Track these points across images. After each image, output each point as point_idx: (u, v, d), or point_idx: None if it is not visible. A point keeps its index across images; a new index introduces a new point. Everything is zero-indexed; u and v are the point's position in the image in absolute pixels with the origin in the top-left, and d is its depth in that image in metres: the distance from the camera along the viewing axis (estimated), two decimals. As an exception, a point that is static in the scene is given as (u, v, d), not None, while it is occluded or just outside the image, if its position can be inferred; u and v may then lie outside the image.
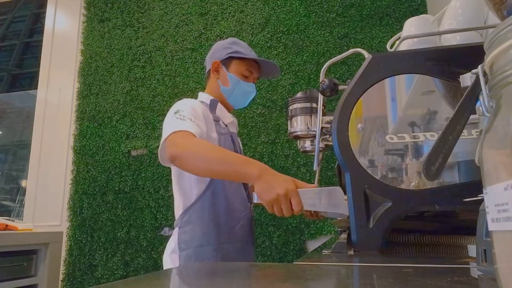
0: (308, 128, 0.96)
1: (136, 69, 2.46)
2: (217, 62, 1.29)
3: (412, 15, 0.93)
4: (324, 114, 0.87)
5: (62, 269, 2.31)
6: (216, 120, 1.21)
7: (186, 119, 1.07)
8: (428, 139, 0.65)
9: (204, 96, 1.29)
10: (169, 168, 1.24)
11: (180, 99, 1.22)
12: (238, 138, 1.37)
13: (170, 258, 1.18)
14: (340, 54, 0.84)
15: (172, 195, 1.26)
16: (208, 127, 1.15)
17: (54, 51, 2.71)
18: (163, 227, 1.33)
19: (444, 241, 0.72)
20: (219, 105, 1.28)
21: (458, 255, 0.66)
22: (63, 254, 2.34)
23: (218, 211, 1.17)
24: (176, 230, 1.19)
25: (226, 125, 1.26)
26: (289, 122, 1.00)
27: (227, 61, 1.28)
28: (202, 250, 1.15)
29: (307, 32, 2.16)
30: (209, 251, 1.14)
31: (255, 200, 0.86)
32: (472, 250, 0.53)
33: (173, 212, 1.23)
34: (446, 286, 0.37)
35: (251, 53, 1.30)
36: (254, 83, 1.33)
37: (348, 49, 0.85)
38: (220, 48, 1.31)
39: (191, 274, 0.58)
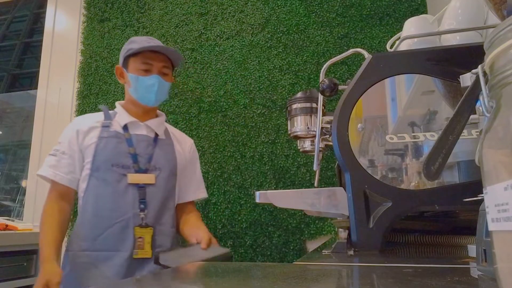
0: (308, 128, 0.96)
1: (136, 69, 2.45)
2: (119, 68, 1.34)
3: (412, 15, 0.93)
4: (324, 114, 0.87)
5: (62, 269, 2.31)
6: (104, 126, 1.25)
7: (56, 155, 1.24)
8: (428, 139, 0.65)
9: (118, 105, 1.33)
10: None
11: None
12: (167, 138, 1.35)
13: None
14: (340, 54, 0.84)
15: None
16: (87, 137, 1.23)
17: (54, 51, 2.71)
18: None
19: (444, 241, 0.72)
20: (122, 109, 1.30)
21: (458, 255, 0.66)
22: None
23: (86, 216, 1.19)
24: None
25: (124, 126, 1.26)
26: (289, 122, 1.00)
27: (125, 63, 1.30)
28: (67, 254, 1.21)
29: (307, 32, 2.16)
30: (71, 256, 1.18)
31: (258, 200, 0.86)
32: (472, 250, 0.53)
33: None
34: (446, 286, 0.36)
35: (145, 44, 1.27)
36: (162, 74, 1.28)
37: (348, 49, 0.85)
38: (121, 54, 1.33)
39: (191, 274, 0.58)
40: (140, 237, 1.17)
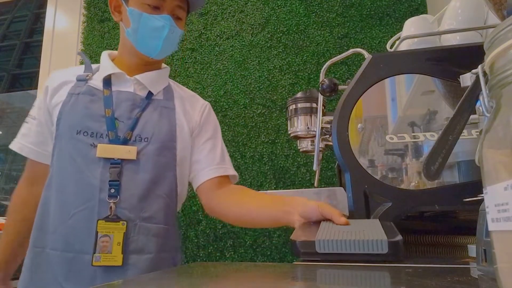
0: (308, 128, 0.96)
1: (136, 69, 2.45)
2: None
3: (412, 15, 0.93)
4: (324, 114, 0.87)
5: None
6: (80, 79, 0.92)
7: (28, 121, 0.96)
8: (428, 139, 0.65)
9: (105, 54, 1.00)
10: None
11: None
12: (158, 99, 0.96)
13: None
14: (340, 54, 0.84)
15: None
16: (56, 95, 0.91)
17: (54, 51, 2.71)
18: None
19: (444, 241, 0.72)
20: (107, 59, 0.97)
21: (458, 255, 0.66)
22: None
23: (47, 202, 0.87)
24: None
25: (104, 81, 0.92)
26: (289, 122, 1.00)
27: None
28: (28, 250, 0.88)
29: (307, 32, 2.15)
30: (28, 252, 0.87)
31: None
32: (472, 250, 0.53)
33: None
34: (446, 286, 0.36)
35: None
36: (175, 16, 0.94)
37: (348, 49, 0.85)
38: None
39: (191, 274, 0.58)
40: (105, 235, 0.81)
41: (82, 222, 0.82)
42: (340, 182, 0.85)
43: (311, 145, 0.97)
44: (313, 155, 0.88)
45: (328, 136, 0.88)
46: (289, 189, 1.94)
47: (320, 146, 0.86)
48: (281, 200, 0.83)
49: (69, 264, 0.81)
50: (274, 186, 1.96)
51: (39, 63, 2.76)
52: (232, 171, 1.00)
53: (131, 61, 0.97)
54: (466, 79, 0.46)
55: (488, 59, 0.32)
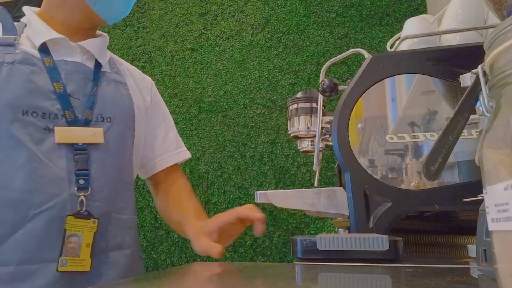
0: (308, 128, 0.96)
1: (136, 69, 2.46)
2: None
3: (412, 15, 0.93)
4: (324, 114, 0.87)
5: (62, 269, 2.31)
6: (6, 44, 0.72)
7: None
8: (428, 139, 0.65)
9: (29, 11, 0.80)
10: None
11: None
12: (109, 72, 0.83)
13: None
14: (340, 54, 0.84)
15: None
16: None
17: (54, 51, 2.71)
18: None
19: (444, 241, 0.72)
20: (36, 18, 0.78)
21: (458, 255, 0.66)
22: (63, 254, 2.34)
23: None
24: None
25: (41, 48, 0.75)
26: (289, 122, 1.00)
27: None
28: None
29: (307, 32, 2.15)
30: None
31: (258, 200, 0.86)
32: (472, 250, 0.53)
33: None
34: (446, 286, 0.36)
35: None
36: None
37: (348, 49, 0.85)
38: None
39: (191, 274, 0.58)
40: (73, 235, 0.68)
41: (50, 223, 0.68)
42: (340, 182, 0.85)
43: (311, 145, 0.97)
44: (313, 155, 0.88)
45: (328, 136, 0.88)
46: (289, 189, 1.94)
47: (320, 146, 0.86)
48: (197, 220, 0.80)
49: (30, 279, 0.65)
50: (274, 186, 1.96)
51: (39, 63, 2.75)
52: (187, 154, 0.97)
53: (72, 23, 0.80)
54: (466, 79, 0.46)
55: (488, 59, 0.32)
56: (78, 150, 0.72)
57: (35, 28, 0.77)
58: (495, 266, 0.29)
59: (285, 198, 0.79)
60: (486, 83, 0.33)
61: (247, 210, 0.72)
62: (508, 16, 0.33)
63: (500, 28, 0.30)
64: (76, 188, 0.70)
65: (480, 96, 0.33)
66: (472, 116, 0.45)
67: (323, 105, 0.86)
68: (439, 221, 0.79)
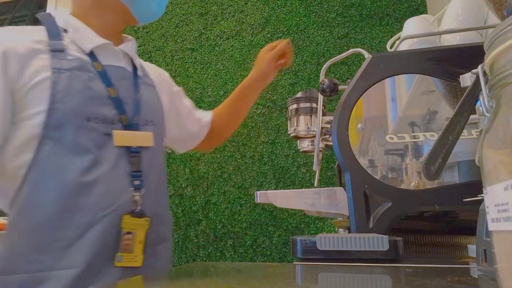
0: (308, 128, 0.96)
1: (136, 69, 2.45)
2: None
3: (412, 15, 0.93)
4: (324, 114, 0.87)
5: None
6: (57, 50, 0.72)
7: None
8: (428, 139, 0.65)
9: (71, 17, 0.80)
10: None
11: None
12: (145, 76, 0.87)
13: None
14: (340, 54, 0.84)
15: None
16: (28, 69, 0.68)
17: (54, 51, 2.71)
18: None
19: (444, 241, 0.72)
20: (80, 23, 0.78)
21: (458, 255, 0.66)
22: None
23: (38, 212, 0.66)
24: None
25: (90, 53, 0.76)
26: (289, 122, 1.00)
27: None
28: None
29: (307, 32, 2.15)
30: (12, 283, 0.64)
31: (258, 200, 0.86)
32: (472, 250, 0.53)
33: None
34: (446, 286, 0.36)
35: None
36: None
37: (348, 49, 0.85)
38: None
39: (191, 274, 0.58)
40: (128, 233, 0.71)
41: (113, 223, 0.70)
42: (340, 182, 0.85)
43: (311, 145, 0.97)
44: (313, 155, 0.88)
45: (328, 136, 0.88)
46: (289, 189, 1.94)
47: (320, 146, 0.86)
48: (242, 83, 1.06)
49: (97, 278, 0.67)
50: (274, 186, 1.96)
51: (39, 63, 2.75)
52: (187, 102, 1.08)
53: (108, 25, 0.81)
54: (466, 79, 0.46)
55: (488, 59, 0.32)
56: (133, 152, 0.75)
57: (82, 34, 0.78)
58: (495, 266, 0.29)
59: (285, 198, 0.79)
60: (486, 83, 0.33)
61: (274, 50, 1.03)
62: (508, 16, 0.33)
63: (500, 28, 0.30)
64: (132, 188, 0.73)
65: (480, 96, 0.33)
66: (472, 116, 0.45)
67: (323, 105, 0.86)
68: (439, 221, 0.79)
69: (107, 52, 0.79)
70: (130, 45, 0.85)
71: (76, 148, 0.69)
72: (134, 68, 0.84)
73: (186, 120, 1.01)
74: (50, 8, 2.82)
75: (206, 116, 1.09)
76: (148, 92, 0.84)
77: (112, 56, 0.79)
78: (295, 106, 0.98)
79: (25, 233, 0.66)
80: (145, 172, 0.76)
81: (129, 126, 0.76)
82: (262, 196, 0.83)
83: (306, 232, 1.97)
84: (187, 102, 1.06)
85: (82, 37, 0.77)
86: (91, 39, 0.77)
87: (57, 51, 0.72)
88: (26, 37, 0.72)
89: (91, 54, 0.76)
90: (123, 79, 0.79)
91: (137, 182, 0.73)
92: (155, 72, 0.95)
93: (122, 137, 0.74)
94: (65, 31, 0.78)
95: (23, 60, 0.69)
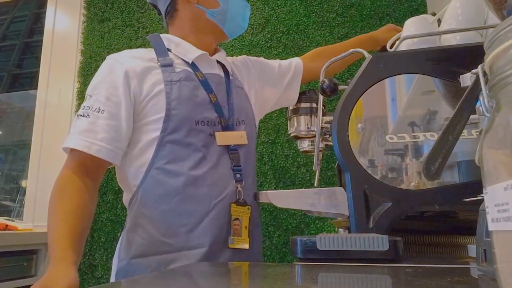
0: (308, 128, 0.96)
1: (136, 69, 2.45)
2: None
3: (412, 15, 0.93)
4: (324, 114, 0.87)
5: (62, 269, 2.30)
6: (166, 65, 0.87)
7: (89, 115, 0.81)
8: (428, 139, 0.65)
9: (172, 36, 0.95)
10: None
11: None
12: (240, 77, 1.01)
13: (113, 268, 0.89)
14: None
15: None
16: (146, 83, 0.84)
17: (54, 51, 2.71)
18: None
19: (444, 241, 0.72)
20: (181, 40, 0.94)
21: (458, 255, 0.66)
22: (63, 254, 2.34)
23: (166, 200, 0.81)
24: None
25: (191, 64, 0.90)
26: (289, 122, 1.00)
27: None
28: (139, 263, 0.80)
29: (307, 32, 2.15)
30: (152, 263, 0.79)
31: (258, 200, 0.86)
32: (472, 250, 0.53)
33: None
34: (446, 286, 0.36)
35: None
36: None
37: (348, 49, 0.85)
38: None
39: (191, 274, 0.58)
40: (236, 219, 0.84)
41: (224, 210, 0.83)
42: (340, 182, 0.85)
43: (311, 145, 0.97)
44: (313, 155, 0.88)
45: (328, 136, 0.88)
46: (289, 189, 1.94)
47: (320, 146, 0.86)
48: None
49: (217, 256, 0.81)
50: (274, 186, 1.96)
51: (39, 63, 2.76)
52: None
53: (205, 43, 0.95)
54: (466, 79, 0.46)
55: (488, 59, 0.32)
56: (232, 150, 0.88)
57: (184, 47, 0.92)
58: (495, 266, 0.29)
59: (285, 198, 0.79)
60: (486, 83, 0.33)
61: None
62: (508, 16, 0.33)
63: (500, 28, 0.30)
64: (235, 181, 0.86)
65: (480, 96, 0.33)
66: (472, 116, 0.45)
67: (323, 105, 0.86)
68: (439, 221, 0.79)
69: (204, 63, 0.92)
70: (223, 55, 0.99)
71: (187, 148, 0.83)
72: (226, 73, 0.96)
73: (279, 77, 1.10)
74: (50, 8, 2.82)
75: (293, 60, 1.15)
76: (239, 94, 0.96)
77: (209, 65, 0.93)
78: (295, 106, 0.98)
79: (155, 221, 0.81)
80: (243, 166, 0.88)
81: (226, 127, 0.88)
82: (262, 196, 0.83)
83: (306, 232, 1.97)
84: (272, 63, 1.13)
85: (184, 50, 0.91)
86: (192, 51, 0.91)
87: (166, 65, 0.87)
88: (141, 57, 0.88)
89: (193, 65, 0.90)
90: (219, 85, 0.91)
91: (238, 175, 0.87)
92: (241, 65, 1.06)
93: (223, 137, 0.87)
94: (169, 50, 0.92)
95: (141, 77, 0.85)
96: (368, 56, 0.71)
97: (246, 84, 1.02)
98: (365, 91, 0.68)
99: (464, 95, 0.44)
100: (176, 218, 0.81)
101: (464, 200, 0.61)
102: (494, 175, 0.28)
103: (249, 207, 0.86)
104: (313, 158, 0.87)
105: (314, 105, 0.94)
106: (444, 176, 0.64)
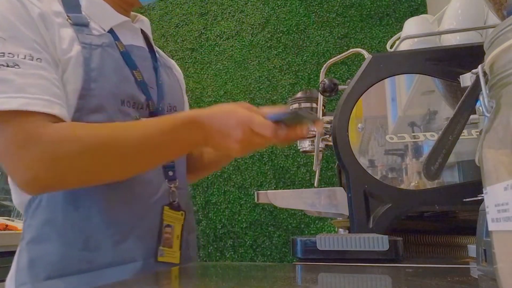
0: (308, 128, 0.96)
1: (136, 69, 2.45)
2: None
3: (412, 15, 0.93)
4: (324, 114, 0.87)
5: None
6: (80, 24, 0.62)
7: (18, 64, 0.53)
8: (428, 139, 0.65)
9: None
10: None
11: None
12: (158, 56, 0.77)
13: None
14: (340, 54, 0.83)
15: None
16: (65, 40, 0.59)
17: None
18: None
19: (444, 241, 0.72)
20: (95, 2, 0.68)
21: (458, 255, 0.66)
22: (63, 254, 2.34)
23: (86, 199, 0.60)
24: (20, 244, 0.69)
25: (110, 31, 0.67)
26: (289, 122, 0.99)
27: None
28: (50, 287, 0.58)
29: (307, 32, 2.15)
30: (68, 285, 0.58)
31: (258, 200, 0.86)
32: (472, 250, 0.53)
33: None
34: (446, 286, 0.36)
35: None
36: None
37: (348, 49, 0.85)
38: None
39: (190, 274, 0.58)
40: (168, 225, 0.67)
41: (158, 214, 0.66)
42: (340, 182, 0.85)
43: (311, 145, 0.97)
44: (313, 155, 0.88)
45: (328, 136, 0.88)
46: (289, 189, 1.94)
47: (320, 146, 0.86)
48: None
49: (148, 271, 0.63)
50: (274, 186, 1.96)
51: (39, 63, 2.75)
52: None
53: (124, 2, 0.73)
54: (466, 79, 0.46)
55: (488, 59, 0.32)
56: None
57: (100, 8, 0.68)
58: (495, 266, 0.29)
59: (285, 198, 0.79)
60: (486, 83, 0.33)
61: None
62: (508, 16, 0.33)
63: (500, 28, 0.30)
64: (167, 180, 0.69)
65: (480, 96, 0.33)
66: (472, 116, 0.45)
67: (323, 105, 0.86)
68: (439, 221, 0.79)
69: (125, 30, 0.70)
70: (146, 22, 0.78)
71: None
72: (151, 48, 0.76)
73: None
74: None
75: None
76: (168, 75, 0.77)
77: (131, 34, 0.71)
78: (295, 106, 0.98)
79: (69, 231, 0.60)
80: (176, 163, 0.71)
81: (155, 112, 0.68)
82: (262, 196, 0.83)
83: (306, 232, 1.97)
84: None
85: (99, 12, 0.67)
86: (111, 15, 0.68)
87: (81, 25, 0.62)
88: (45, 6, 0.60)
89: (111, 32, 0.67)
90: (144, 60, 0.70)
91: (170, 173, 0.69)
92: (166, 56, 0.87)
93: None
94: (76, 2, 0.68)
95: (58, 28, 0.59)
96: (368, 56, 0.71)
97: (178, 72, 0.84)
98: (365, 91, 0.68)
99: (464, 95, 0.44)
100: (98, 226, 0.60)
101: (464, 200, 0.61)
102: (494, 175, 0.28)
103: (183, 212, 0.70)
104: (313, 158, 0.87)
105: (314, 105, 0.94)
106: (444, 176, 0.64)
